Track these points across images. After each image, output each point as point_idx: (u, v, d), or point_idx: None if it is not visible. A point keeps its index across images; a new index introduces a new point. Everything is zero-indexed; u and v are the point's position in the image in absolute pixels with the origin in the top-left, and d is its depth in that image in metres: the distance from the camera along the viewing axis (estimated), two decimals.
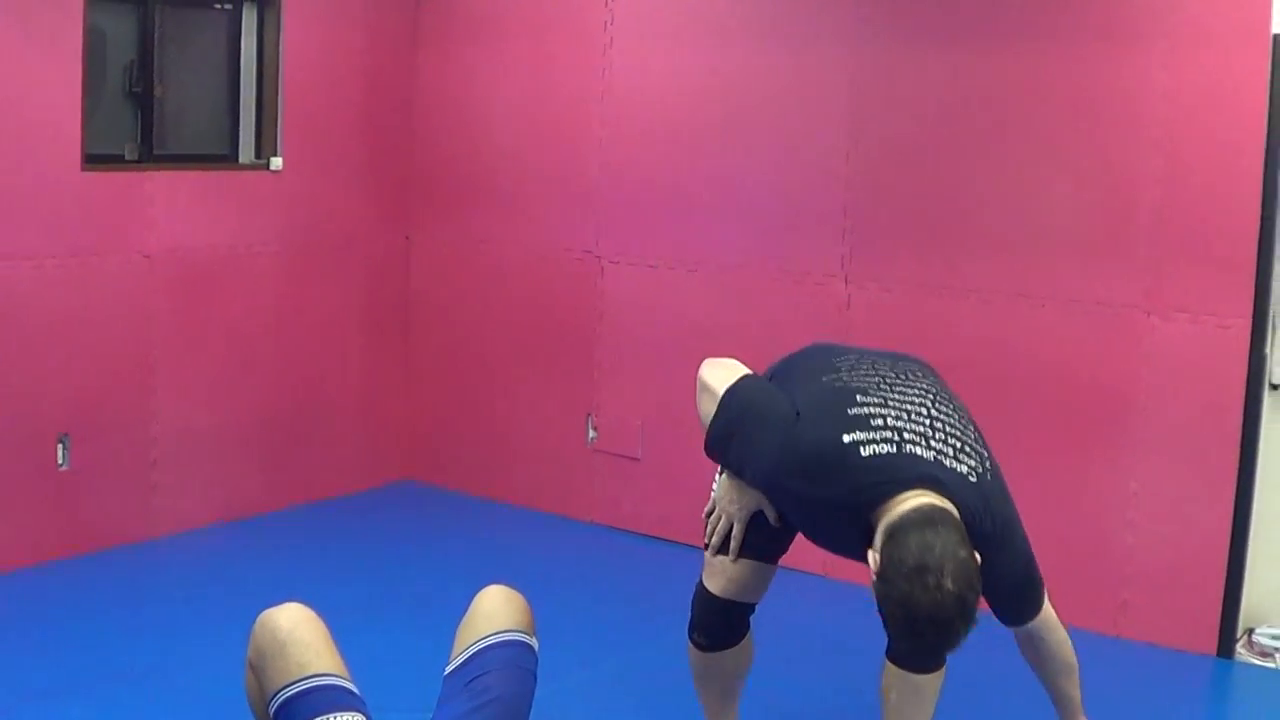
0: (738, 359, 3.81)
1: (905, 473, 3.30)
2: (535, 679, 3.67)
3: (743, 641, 3.94)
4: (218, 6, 6.29)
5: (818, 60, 5.80)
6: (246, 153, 6.41)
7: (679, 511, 5.72)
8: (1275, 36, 4.89)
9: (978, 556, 3.16)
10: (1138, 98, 5.14)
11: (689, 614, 3.91)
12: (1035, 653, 3.79)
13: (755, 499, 3.70)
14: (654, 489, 6.29)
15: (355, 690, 3.48)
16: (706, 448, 3.70)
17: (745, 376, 3.71)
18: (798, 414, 3.49)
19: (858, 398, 3.48)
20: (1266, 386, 5.08)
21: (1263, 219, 4.96)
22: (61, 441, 5.67)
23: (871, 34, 5.67)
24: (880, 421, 3.41)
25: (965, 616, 3.09)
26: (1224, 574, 5.16)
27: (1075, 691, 3.84)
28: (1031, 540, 5.45)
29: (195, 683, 4.62)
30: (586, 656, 4.99)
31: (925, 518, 3.17)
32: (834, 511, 3.39)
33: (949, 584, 3.05)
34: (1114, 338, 5.27)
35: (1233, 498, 5.12)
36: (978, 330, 5.51)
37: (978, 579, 3.12)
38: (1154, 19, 5.09)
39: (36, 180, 5.48)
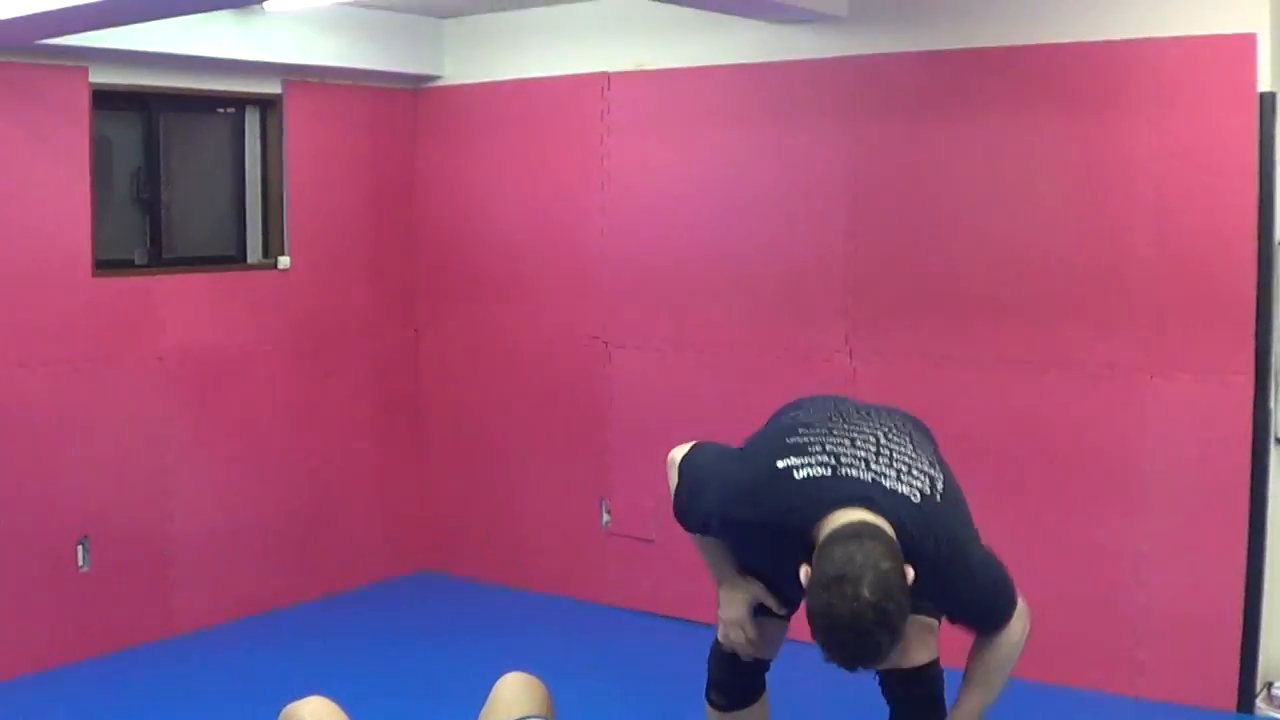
0: (726, 440, 3.89)
1: (838, 492, 3.35)
2: None
3: (759, 700, 3.99)
4: (220, 111, 6.39)
5: (813, 139, 5.87)
6: (254, 253, 6.49)
7: (694, 591, 5.73)
8: (1262, 94, 4.96)
9: (910, 571, 3.19)
10: (1129, 161, 5.20)
11: (705, 676, 3.97)
12: (975, 650, 3.70)
13: (747, 595, 3.78)
14: (668, 569, 6.30)
15: None
16: (675, 514, 3.77)
17: (698, 444, 3.83)
18: (743, 453, 3.61)
19: (800, 430, 3.56)
20: (1272, 440, 5.10)
21: (1260, 274, 5.01)
22: (81, 544, 5.71)
23: (865, 111, 5.74)
24: (818, 448, 3.47)
25: (885, 626, 3.10)
26: (1240, 629, 5.16)
27: (974, 705, 3.68)
28: (1044, 603, 5.46)
29: None
30: None
31: (853, 532, 3.22)
32: (779, 538, 3.41)
33: (866, 593, 3.08)
34: (1117, 399, 5.30)
35: (1244, 552, 5.13)
36: (982, 397, 5.54)
37: (901, 592, 3.14)
38: (1142, 82, 5.16)
39: (48, 287, 5.56)
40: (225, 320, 6.22)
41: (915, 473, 3.47)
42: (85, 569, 5.74)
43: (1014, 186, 5.44)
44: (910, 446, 3.57)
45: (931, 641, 3.73)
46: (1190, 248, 5.11)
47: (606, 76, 6.37)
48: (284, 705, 3.57)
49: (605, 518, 6.57)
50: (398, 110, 6.89)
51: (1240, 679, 5.19)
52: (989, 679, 3.65)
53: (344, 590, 6.73)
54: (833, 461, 3.43)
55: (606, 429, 6.52)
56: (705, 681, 3.99)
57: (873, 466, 3.43)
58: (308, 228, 6.52)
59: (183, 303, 6.03)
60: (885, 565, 3.13)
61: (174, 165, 6.18)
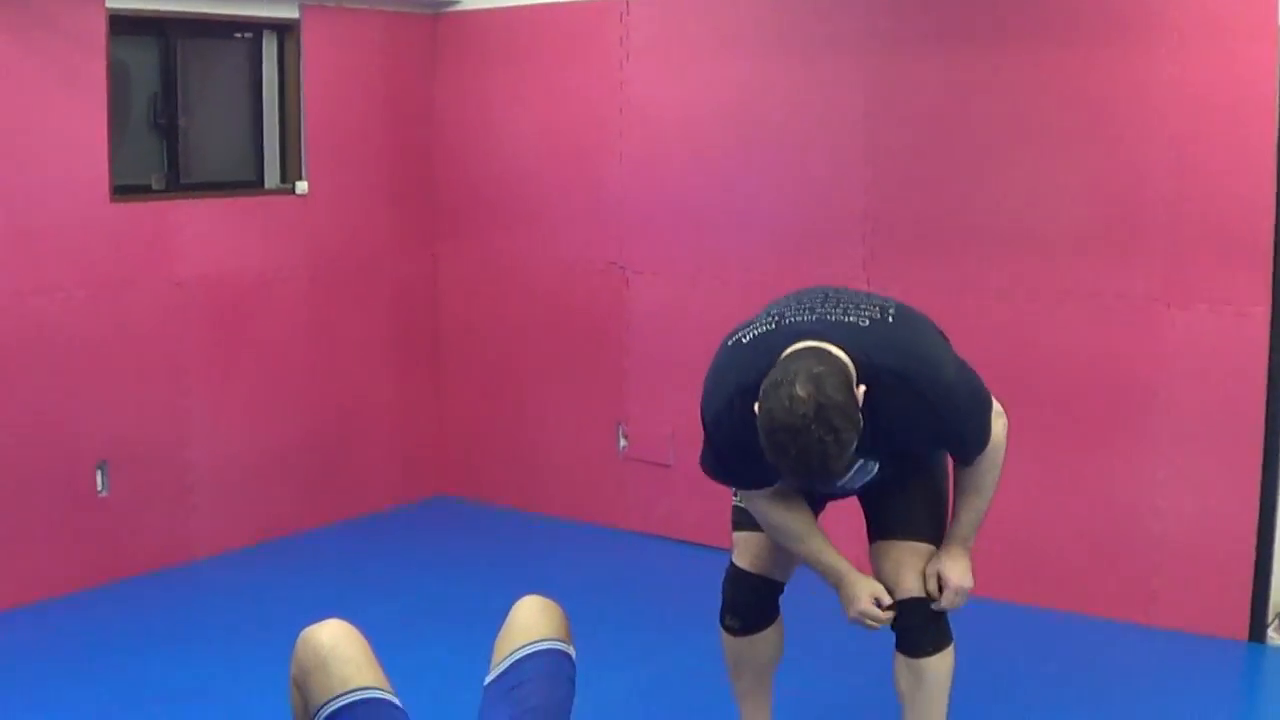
0: None
1: (785, 336, 3.42)
2: (574, 686, 3.72)
3: (773, 625, 4.02)
4: (238, 36, 6.37)
5: (832, 68, 5.85)
6: (272, 178, 6.49)
7: (711, 516, 5.75)
8: None
9: (850, 369, 3.28)
10: (1147, 93, 5.18)
11: (720, 601, 4.00)
12: (960, 472, 3.75)
13: (867, 589, 3.74)
14: (686, 495, 6.34)
15: (398, 703, 3.54)
16: (717, 478, 3.83)
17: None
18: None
19: (760, 311, 3.64)
20: None
21: (1277, 205, 4.99)
22: (100, 469, 5.75)
23: (883, 41, 5.71)
24: (764, 314, 3.58)
25: (824, 423, 3.15)
26: (1253, 559, 5.19)
27: (970, 516, 3.76)
28: (1059, 533, 5.52)
29: (240, 702, 4.69)
30: (624, 662, 5.04)
31: (794, 354, 3.31)
32: (746, 407, 3.41)
33: (799, 390, 3.15)
34: (1134, 330, 5.31)
35: (1258, 483, 5.15)
36: (998, 328, 5.55)
37: (839, 392, 3.20)
38: (1161, 14, 5.12)
39: (66, 214, 5.57)
40: (243, 245, 6.23)
41: (864, 306, 3.53)
42: (104, 494, 5.78)
43: (1031, 117, 5.42)
44: (863, 294, 3.64)
45: (923, 569, 3.74)
46: (1208, 179, 5.10)
47: (625, 2, 6.34)
48: (302, 629, 3.62)
49: (622, 443, 6.60)
50: (416, 36, 6.86)
51: (1252, 608, 5.23)
52: (980, 485, 3.71)
53: (362, 515, 6.77)
54: (777, 318, 3.52)
55: (624, 355, 6.53)
56: (720, 606, 4.02)
57: (817, 310, 3.50)
58: (326, 153, 6.51)
59: (200, 228, 6.04)
60: (819, 369, 3.22)
61: (191, 90, 6.17)
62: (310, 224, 6.48)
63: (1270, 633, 5.22)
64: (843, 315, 3.47)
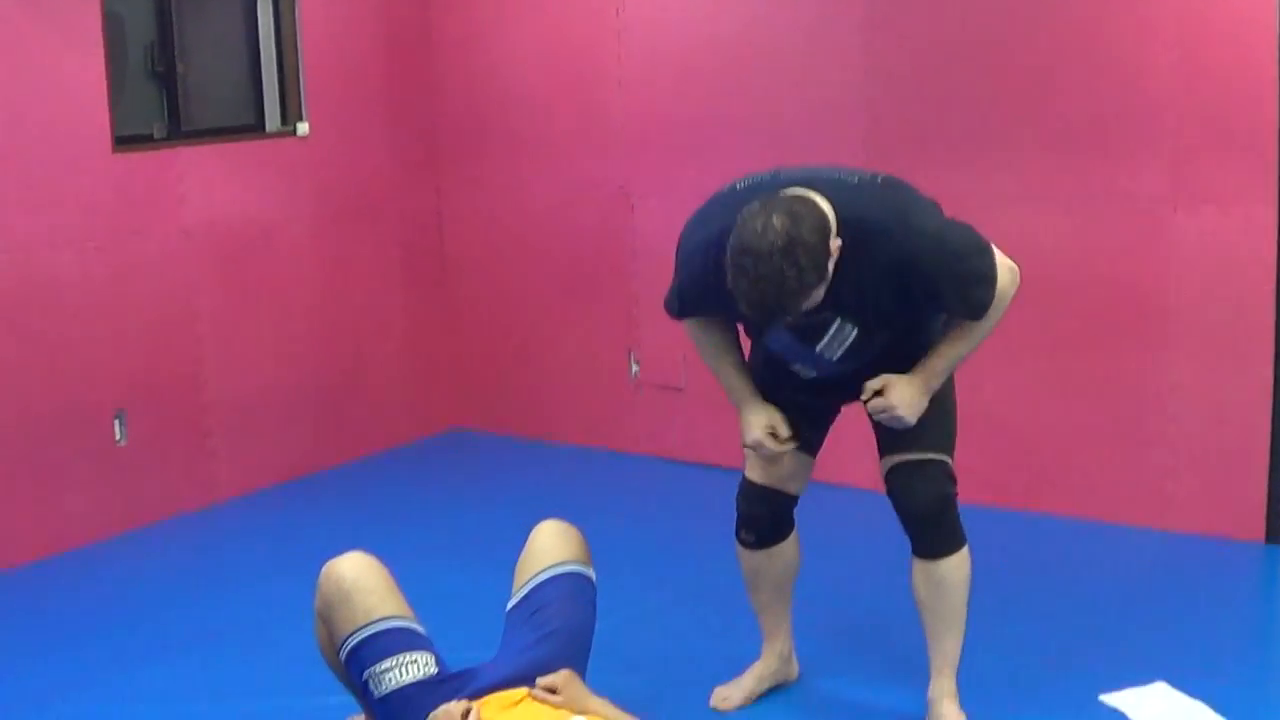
0: None
1: (774, 186, 3.48)
2: (595, 609, 3.76)
3: (788, 539, 4.06)
4: None
5: None
6: (272, 120, 6.49)
7: (725, 437, 5.79)
8: None
9: (830, 221, 3.35)
10: None
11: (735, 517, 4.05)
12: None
13: (762, 417, 3.82)
14: (699, 417, 6.37)
15: (422, 631, 3.59)
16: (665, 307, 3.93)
17: None
18: None
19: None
20: None
21: None
22: (118, 418, 5.79)
23: None
24: (761, 173, 3.64)
25: (789, 258, 3.23)
26: (1268, 460, 5.20)
27: (948, 354, 3.70)
28: (1072, 439, 5.52)
29: (269, 640, 4.75)
30: (644, 585, 5.08)
31: (779, 196, 3.37)
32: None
33: (775, 221, 3.25)
34: (1141, 232, 5.30)
35: (1271, 383, 5.16)
36: (1006, 234, 5.46)
37: (816, 235, 3.28)
38: None
39: (69, 166, 5.58)
40: (248, 190, 6.25)
41: (856, 172, 3.61)
42: (123, 443, 5.82)
43: (1034, 16, 5.39)
44: (855, 169, 3.68)
45: (925, 405, 3.68)
46: (1212, 78, 5.08)
47: None
48: (324, 563, 3.66)
49: (634, 368, 6.62)
50: None
51: (1268, 510, 5.24)
52: (970, 333, 3.68)
53: (379, 452, 6.81)
54: (772, 173, 3.60)
55: (632, 280, 6.54)
56: (735, 522, 4.07)
57: (808, 169, 3.58)
58: (325, 92, 6.51)
59: (204, 175, 6.05)
60: (799, 209, 3.29)
61: (187, 36, 6.16)
62: (313, 164, 6.49)
63: None
64: (834, 174, 3.55)
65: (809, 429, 3.92)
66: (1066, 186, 5.42)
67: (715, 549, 4.52)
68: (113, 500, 5.79)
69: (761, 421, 3.81)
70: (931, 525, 3.80)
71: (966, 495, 3.87)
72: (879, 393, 3.67)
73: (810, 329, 3.61)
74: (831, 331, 3.61)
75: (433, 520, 5.92)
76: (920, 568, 3.85)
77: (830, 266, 3.34)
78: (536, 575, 3.68)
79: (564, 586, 3.67)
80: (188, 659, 4.65)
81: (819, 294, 3.37)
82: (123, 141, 5.78)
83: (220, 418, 6.17)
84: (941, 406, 3.79)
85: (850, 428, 4.07)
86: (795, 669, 4.29)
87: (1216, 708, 4.06)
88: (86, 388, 5.69)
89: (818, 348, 3.66)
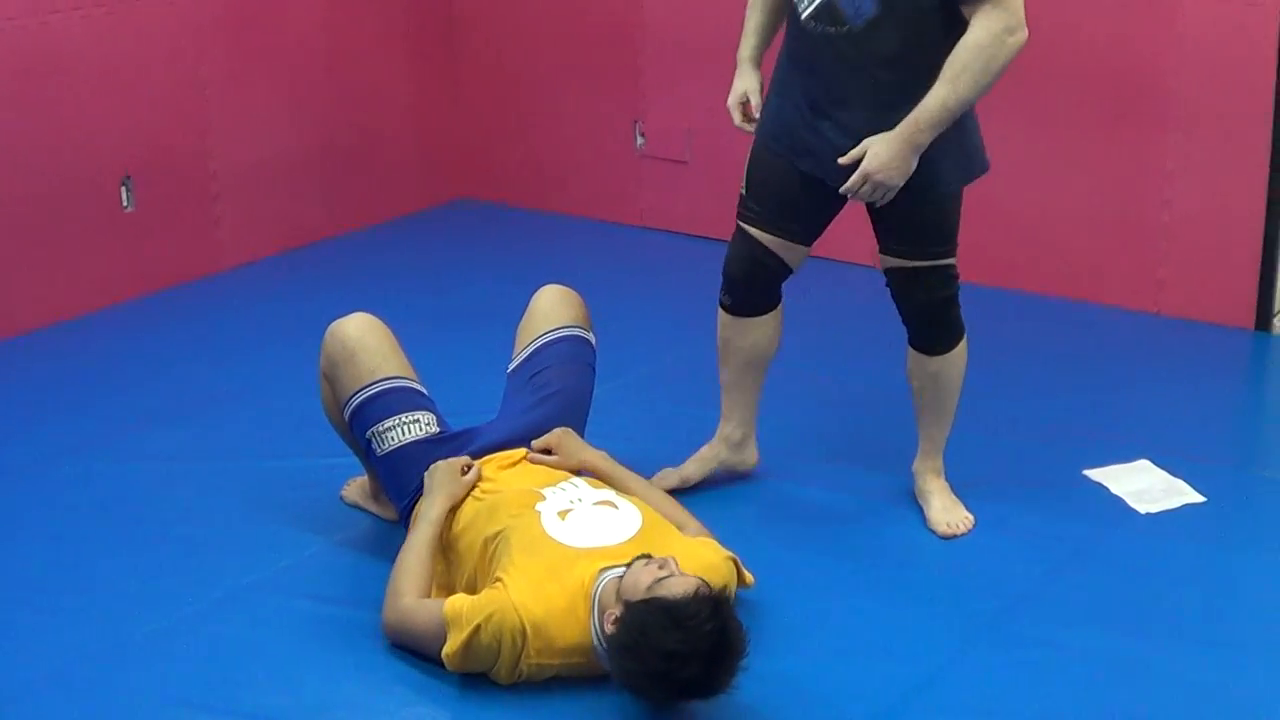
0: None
1: None
2: (594, 372, 3.85)
3: (771, 314, 3.97)
4: None
5: None
6: None
7: (729, 211, 5.84)
8: None
9: None
10: None
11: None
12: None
13: (740, 85, 3.94)
14: (703, 191, 6.37)
15: (424, 391, 3.68)
16: None
17: None
18: None
19: None
20: None
21: None
22: (125, 184, 5.81)
23: None
24: None
25: None
26: (1260, 249, 5.25)
27: (931, 103, 3.51)
28: (1068, 221, 5.53)
29: (275, 402, 4.82)
30: (642, 353, 5.16)
31: None
32: None
33: None
34: (1143, 15, 5.27)
35: (1267, 171, 5.18)
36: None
37: None
38: None
39: None
40: None
41: None
42: (130, 209, 5.84)
43: None
44: None
45: (912, 164, 3.55)
46: None
47: None
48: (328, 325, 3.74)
49: (639, 140, 6.62)
50: None
51: (1259, 298, 5.32)
52: (958, 73, 3.49)
53: (385, 221, 6.83)
54: None
55: (639, 52, 6.49)
56: (721, 285, 3.99)
57: None
58: None
59: None
60: None
61: None
62: None
63: (1276, 321, 5.31)
64: None
65: (799, 220, 3.86)
66: None
67: (713, 323, 4.57)
68: (120, 267, 5.82)
69: (739, 88, 3.90)
70: (930, 324, 3.83)
71: (960, 275, 3.88)
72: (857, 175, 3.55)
73: None
74: None
75: (434, 288, 5.95)
76: (916, 359, 3.88)
77: None
78: (537, 338, 3.75)
79: (564, 349, 3.75)
80: (194, 422, 4.72)
81: None
82: None
83: (227, 184, 6.17)
84: (939, 203, 3.71)
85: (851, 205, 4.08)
86: (752, 456, 4.16)
87: (1196, 486, 4.17)
88: (94, 154, 5.68)
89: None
